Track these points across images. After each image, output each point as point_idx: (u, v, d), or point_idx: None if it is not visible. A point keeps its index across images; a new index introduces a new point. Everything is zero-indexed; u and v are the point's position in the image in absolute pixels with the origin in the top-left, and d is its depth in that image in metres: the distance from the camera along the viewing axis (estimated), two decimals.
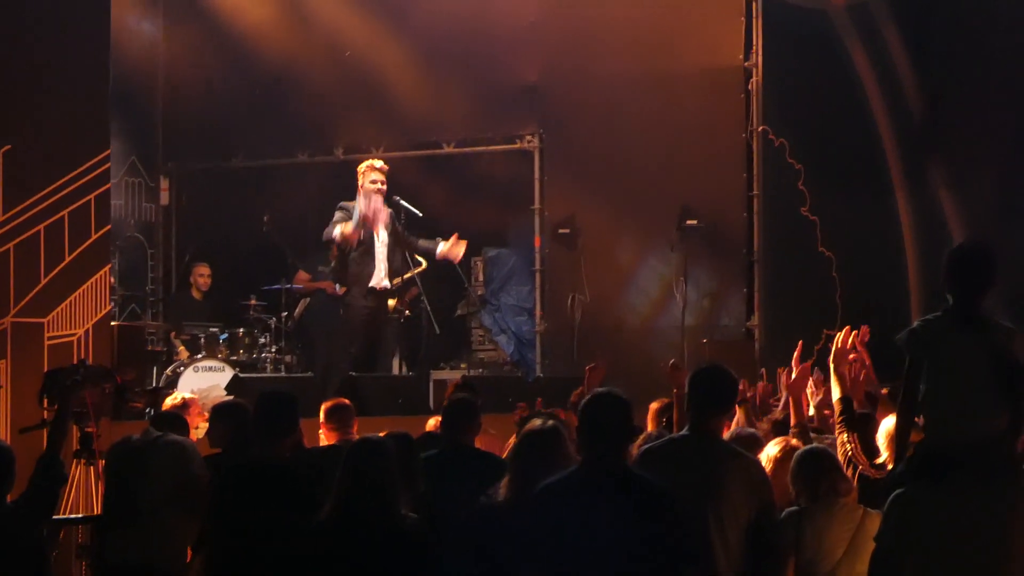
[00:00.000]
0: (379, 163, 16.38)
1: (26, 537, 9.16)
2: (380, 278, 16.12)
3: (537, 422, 8.31)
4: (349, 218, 15.89)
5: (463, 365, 18.27)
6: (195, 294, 19.01)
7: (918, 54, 18.63)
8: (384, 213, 16.02)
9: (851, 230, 17.82)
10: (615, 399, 7.51)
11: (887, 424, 9.15)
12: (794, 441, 9.30)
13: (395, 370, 17.21)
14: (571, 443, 8.06)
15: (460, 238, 16.90)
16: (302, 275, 18.48)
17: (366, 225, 15.85)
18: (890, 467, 8.64)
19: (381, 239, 16.06)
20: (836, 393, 9.54)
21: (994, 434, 7.54)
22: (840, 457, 8.93)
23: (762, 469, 8.55)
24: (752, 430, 10.36)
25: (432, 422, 11.28)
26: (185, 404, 11.73)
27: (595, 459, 7.34)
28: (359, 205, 15.90)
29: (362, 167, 16.35)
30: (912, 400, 7.78)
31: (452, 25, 17.92)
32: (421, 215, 16.13)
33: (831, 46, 18.17)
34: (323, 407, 11.59)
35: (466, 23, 17.91)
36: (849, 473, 8.78)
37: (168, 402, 11.93)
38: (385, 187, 16.05)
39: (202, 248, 19.70)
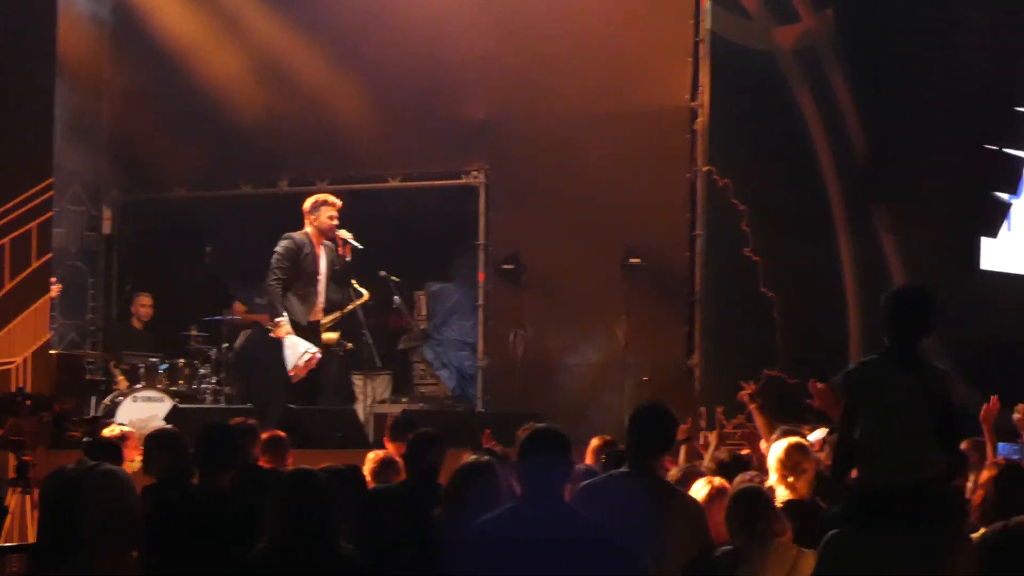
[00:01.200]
0: (333, 198, 16.30)
1: None
2: (317, 311, 16.09)
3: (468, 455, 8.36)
4: (295, 248, 15.83)
5: (404, 399, 18.26)
6: (136, 324, 18.98)
7: (864, 99, 18.76)
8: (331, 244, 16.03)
9: (793, 271, 17.91)
10: (555, 434, 7.53)
11: (776, 450, 9.30)
12: (717, 481, 9.33)
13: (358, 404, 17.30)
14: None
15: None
16: (238, 307, 18.52)
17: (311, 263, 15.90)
18: (778, 491, 8.80)
19: (323, 271, 16.05)
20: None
21: (930, 477, 7.59)
22: None
23: (701, 508, 8.61)
24: (696, 467, 10.45)
25: (372, 456, 11.24)
26: (123, 436, 11.70)
27: (534, 496, 7.35)
28: (304, 240, 15.90)
29: (315, 200, 16.22)
30: (848, 441, 7.83)
31: (401, 59, 17.97)
32: (362, 247, 16.08)
33: (777, 88, 18.27)
34: (260, 438, 11.63)
35: (415, 58, 17.96)
36: None
37: (106, 433, 11.91)
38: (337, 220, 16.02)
39: (144, 278, 19.67)
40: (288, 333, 15.80)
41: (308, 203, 16.16)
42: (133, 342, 18.61)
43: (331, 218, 15.98)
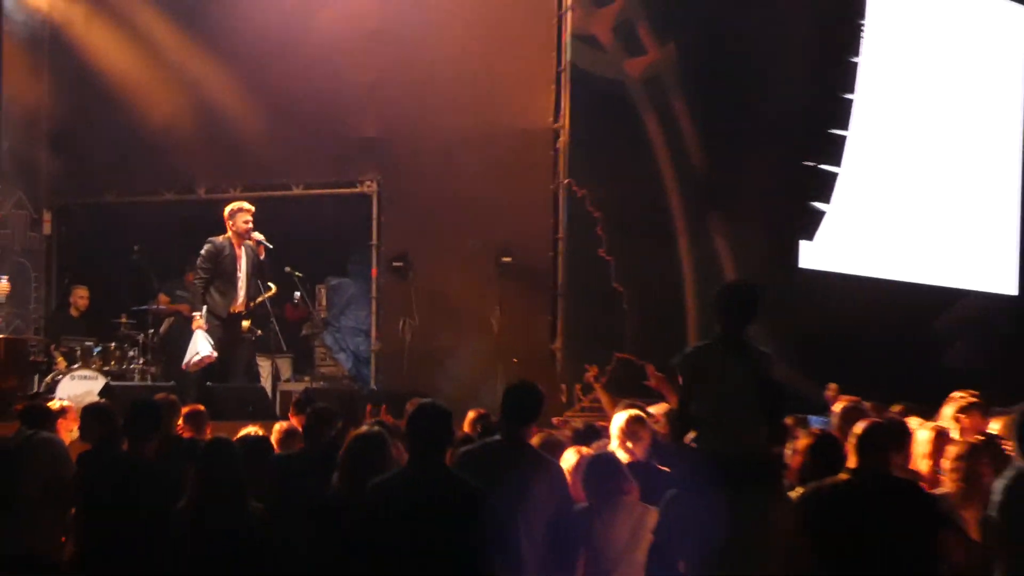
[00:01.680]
0: (248, 204, 16.36)
1: None
2: (238, 304, 16.12)
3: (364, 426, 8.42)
4: (215, 251, 15.88)
5: (306, 378, 18.26)
6: (73, 312, 18.85)
7: (700, 121, 18.93)
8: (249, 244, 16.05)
9: (640, 269, 18.05)
10: (437, 409, 7.61)
11: (617, 420, 9.45)
12: (584, 449, 9.43)
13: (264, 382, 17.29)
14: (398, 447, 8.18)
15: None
16: (162, 298, 18.46)
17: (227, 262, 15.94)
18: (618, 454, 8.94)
19: (242, 270, 16.06)
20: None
21: (756, 445, 7.75)
22: None
23: (562, 471, 8.69)
24: (558, 436, 10.54)
25: (277, 427, 11.28)
26: (63, 410, 11.67)
27: (418, 462, 7.44)
28: (225, 243, 15.95)
29: (232, 208, 16.24)
30: (685, 413, 7.97)
31: (304, 84, 17.96)
32: (272, 247, 16.09)
33: (628, 111, 18.37)
34: (182, 412, 11.67)
35: (316, 82, 17.96)
36: None
37: (49, 406, 11.88)
38: (252, 223, 16.06)
39: (80, 273, 19.55)
40: (199, 327, 15.89)
41: (227, 210, 16.17)
42: (71, 328, 18.48)
43: (246, 222, 16.01)
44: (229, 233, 16.05)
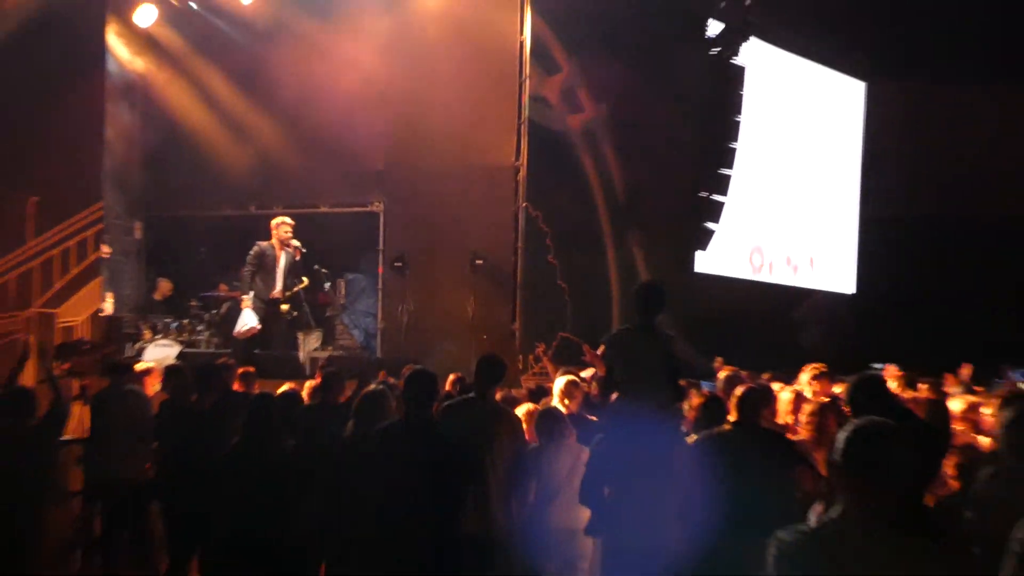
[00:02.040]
0: (289, 219, 16.46)
1: (43, 450, 9.15)
2: (275, 292, 16.10)
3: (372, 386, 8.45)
4: (260, 252, 16.00)
5: (329, 348, 18.23)
6: (157, 297, 18.85)
7: (623, 162, 19.06)
8: (288, 249, 16.09)
9: (578, 271, 18.14)
10: (425, 373, 7.65)
11: (558, 383, 9.50)
12: (531, 406, 9.48)
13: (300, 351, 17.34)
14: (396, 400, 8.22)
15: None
16: (223, 287, 18.41)
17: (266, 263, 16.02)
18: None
19: (281, 266, 16.07)
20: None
21: (661, 403, 7.81)
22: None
23: (519, 420, 8.75)
24: (515, 394, 10.61)
25: (308, 384, 11.29)
26: (150, 370, 11.68)
27: (412, 413, 7.47)
28: (268, 246, 16.08)
29: (277, 220, 16.39)
30: (610, 380, 8.02)
31: (330, 129, 17.90)
32: (305, 251, 16.13)
33: (570, 154, 18.49)
34: (238, 371, 11.68)
35: (338, 128, 17.88)
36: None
37: (138, 367, 11.88)
38: (291, 233, 16.16)
39: (162, 269, 19.55)
40: (246, 307, 16.04)
41: (273, 222, 16.30)
42: (155, 309, 18.50)
43: (287, 232, 16.08)
44: (273, 239, 16.07)
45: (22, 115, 12.94)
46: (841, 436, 4.03)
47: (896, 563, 3.84)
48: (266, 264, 16.08)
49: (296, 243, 16.20)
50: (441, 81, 17.64)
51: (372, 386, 8.46)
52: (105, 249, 17.41)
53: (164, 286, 18.98)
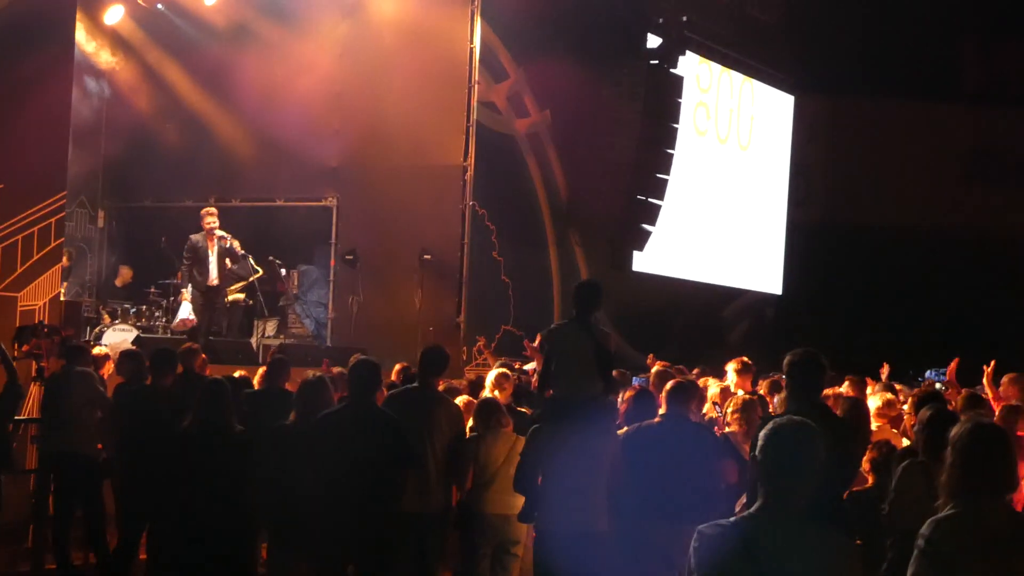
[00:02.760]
0: (213, 209, 16.45)
1: None
2: (211, 280, 16.00)
3: (310, 373, 8.33)
4: (192, 245, 16.08)
5: (281, 336, 18.05)
6: (118, 283, 18.67)
7: (566, 164, 19.02)
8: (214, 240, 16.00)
9: (521, 266, 18.07)
10: (369, 361, 7.57)
11: (490, 375, 9.45)
12: (466, 398, 9.45)
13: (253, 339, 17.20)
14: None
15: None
16: (180, 276, 18.19)
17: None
18: None
19: (213, 256, 15.95)
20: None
21: (594, 394, 7.73)
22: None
23: (458, 409, 8.68)
24: (456, 384, 10.52)
25: (260, 370, 11.09)
26: (106, 356, 11.50)
27: (355, 399, 7.37)
28: (199, 238, 16.05)
29: (202, 212, 16.36)
30: (547, 371, 7.93)
31: (287, 126, 17.70)
32: (228, 237, 16.13)
33: (515, 156, 18.41)
34: (202, 356, 11.51)
35: (296, 126, 17.68)
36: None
37: (94, 351, 11.68)
38: (217, 223, 16.03)
39: (122, 255, 19.34)
40: (184, 300, 16.38)
41: (202, 212, 16.31)
42: (115, 294, 18.29)
43: (209, 223, 16.01)
44: (203, 231, 15.93)
45: None
46: (761, 433, 4.05)
47: (809, 556, 3.87)
48: (199, 255, 15.95)
49: (221, 232, 16.05)
50: (395, 84, 17.53)
51: (309, 374, 8.30)
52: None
53: (125, 273, 18.76)
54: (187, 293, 16.11)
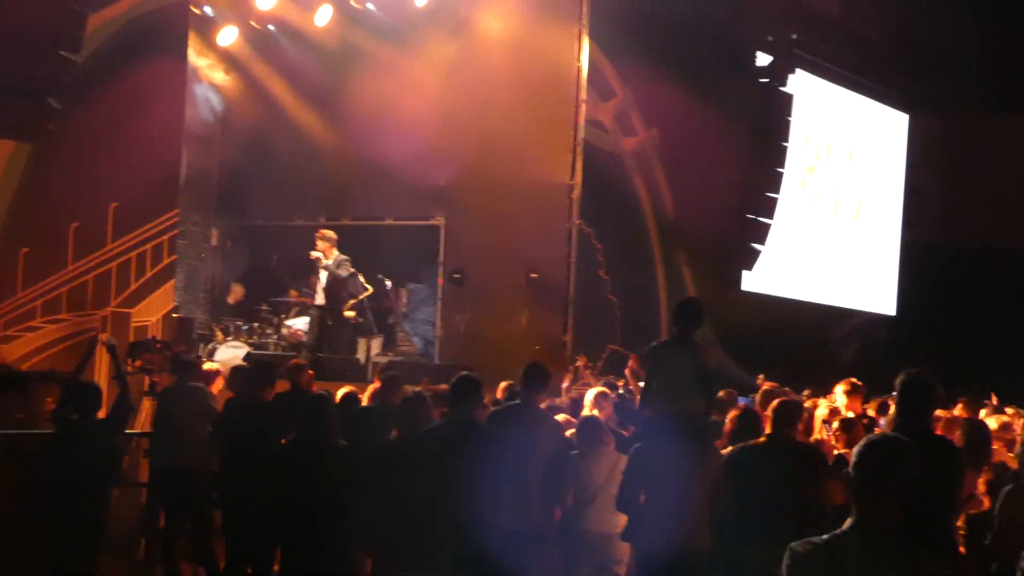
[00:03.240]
0: (324, 231, 16.80)
1: (108, 443, 9.08)
2: (317, 302, 16.46)
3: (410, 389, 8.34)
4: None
5: (389, 354, 18.16)
6: (230, 300, 18.93)
7: (674, 184, 18.88)
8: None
9: (628, 286, 17.96)
10: (469, 377, 7.55)
11: (588, 394, 9.35)
12: (564, 416, 9.41)
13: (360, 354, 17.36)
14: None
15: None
16: (292, 292, 18.39)
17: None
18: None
19: (320, 282, 16.34)
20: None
21: (694, 412, 7.63)
22: None
23: (559, 425, 8.64)
24: (558, 403, 10.47)
25: (369, 388, 11.13)
26: (217, 372, 11.62)
27: (457, 413, 7.35)
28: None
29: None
30: (649, 388, 7.86)
31: (396, 147, 17.70)
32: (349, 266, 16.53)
33: (622, 175, 18.33)
34: (308, 372, 11.65)
35: (404, 146, 17.70)
36: None
37: (206, 367, 11.83)
38: (325, 244, 16.48)
39: (236, 273, 19.61)
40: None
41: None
42: (227, 311, 18.53)
43: (320, 245, 16.46)
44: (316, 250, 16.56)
45: (105, 125, 12.93)
46: (855, 450, 3.98)
47: (899, 573, 3.82)
48: (313, 274, 16.53)
49: (324, 257, 16.45)
50: (502, 103, 17.54)
51: (408, 391, 8.31)
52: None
53: (237, 290, 19.03)
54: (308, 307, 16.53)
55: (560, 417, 9.19)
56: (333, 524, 7.56)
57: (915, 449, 3.92)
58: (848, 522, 3.89)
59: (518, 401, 8.64)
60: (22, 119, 10.79)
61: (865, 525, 3.84)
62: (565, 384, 12.66)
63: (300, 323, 16.43)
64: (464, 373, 7.68)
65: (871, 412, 9.83)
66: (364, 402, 10.43)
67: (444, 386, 10.95)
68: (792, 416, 7.63)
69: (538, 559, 8.20)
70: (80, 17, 10.74)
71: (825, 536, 3.88)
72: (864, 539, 3.82)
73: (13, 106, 10.57)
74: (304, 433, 7.81)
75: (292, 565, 7.86)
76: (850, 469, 3.93)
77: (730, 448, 7.83)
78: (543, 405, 9.10)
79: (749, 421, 8.12)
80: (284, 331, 16.84)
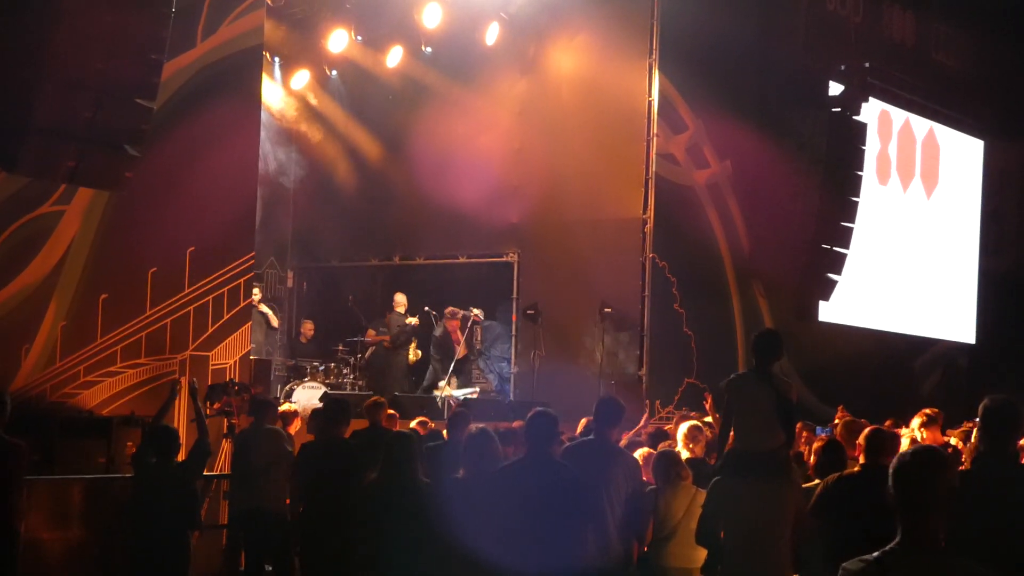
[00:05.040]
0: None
1: (188, 485, 9.12)
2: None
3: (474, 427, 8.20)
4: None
5: (474, 391, 18.14)
6: (302, 339, 19.01)
7: (748, 216, 18.73)
8: None
9: (704, 319, 17.81)
10: (546, 413, 7.46)
11: (682, 428, 9.27)
12: (646, 451, 9.27)
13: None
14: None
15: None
16: (370, 332, 18.43)
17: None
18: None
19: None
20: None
21: (775, 447, 7.51)
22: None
23: (636, 461, 8.53)
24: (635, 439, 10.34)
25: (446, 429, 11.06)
26: (295, 413, 11.63)
27: (533, 450, 7.26)
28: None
29: None
30: (727, 422, 7.74)
31: (469, 185, 17.75)
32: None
33: (696, 207, 18.20)
34: (387, 410, 11.63)
35: (477, 184, 17.76)
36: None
37: (283, 408, 11.84)
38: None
39: (311, 314, 19.71)
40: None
41: None
42: (303, 352, 18.63)
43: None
44: None
45: (181, 170, 13.05)
46: (891, 466, 3.99)
47: None
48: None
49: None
50: (573, 139, 17.58)
51: (472, 427, 8.23)
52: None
53: (307, 327, 19.11)
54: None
55: (643, 451, 9.08)
56: (416, 561, 7.48)
57: (950, 459, 4.02)
58: (895, 539, 3.90)
59: (591, 436, 8.56)
60: (100, 168, 10.88)
61: (911, 540, 3.86)
62: (642, 421, 12.50)
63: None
64: (539, 408, 7.59)
65: (954, 441, 9.61)
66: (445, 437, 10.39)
67: (514, 424, 10.90)
68: (885, 444, 7.44)
69: None
70: (156, 65, 10.83)
71: (876, 553, 3.89)
72: (910, 554, 3.85)
73: (91, 155, 10.66)
74: (387, 470, 7.75)
75: None
76: (890, 483, 3.93)
77: (818, 481, 7.67)
78: (624, 440, 9.02)
79: (834, 453, 7.97)
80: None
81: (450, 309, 17.56)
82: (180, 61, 12.94)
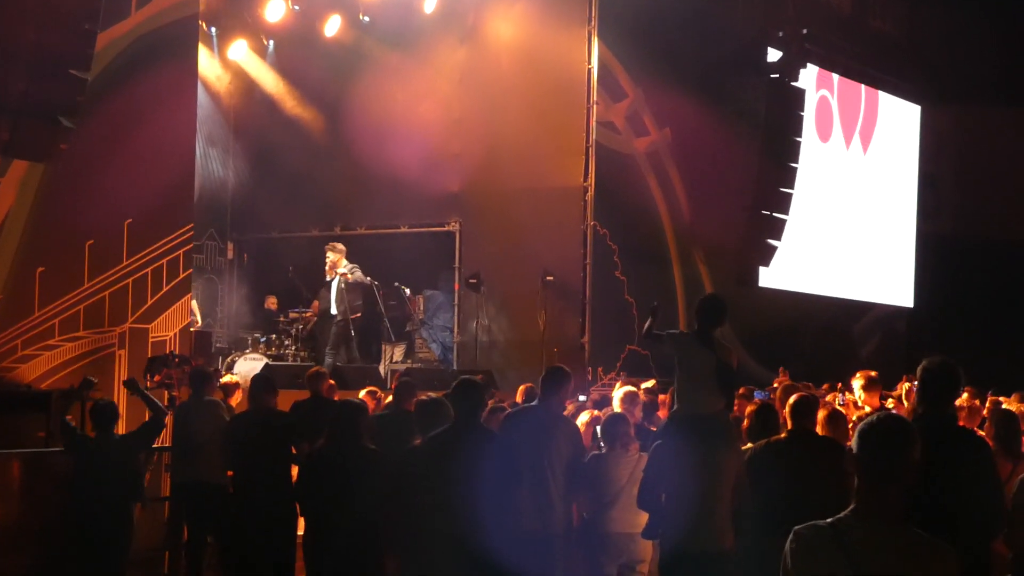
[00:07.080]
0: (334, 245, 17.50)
1: (131, 458, 9.12)
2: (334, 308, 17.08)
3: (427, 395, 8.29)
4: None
5: (408, 361, 18.15)
6: (268, 307, 19.07)
7: (688, 183, 18.83)
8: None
9: (645, 285, 17.87)
10: (470, 380, 7.53)
11: (618, 393, 9.35)
12: (596, 412, 9.32)
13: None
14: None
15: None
16: (315, 304, 18.39)
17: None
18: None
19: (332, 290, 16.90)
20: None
21: (715, 411, 7.59)
22: None
23: (577, 428, 8.59)
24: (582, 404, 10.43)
25: (390, 397, 11.09)
26: (236, 385, 11.62)
27: (463, 419, 7.29)
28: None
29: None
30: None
31: (410, 154, 17.78)
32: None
33: (636, 175, 18.27)
34: (329, 380, 11.67)
35: (418, 153, 17.83)
36: None
37: (224, 380, 11.82)
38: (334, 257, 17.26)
39: (253, 286, 19.64)
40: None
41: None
42: (244, 324, 18.60)
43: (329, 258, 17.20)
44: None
45: (116, 141, 12.94)
46: (856, 432, 3.93)
47: (902, 557, 3.77)
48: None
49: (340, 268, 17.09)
50: (513, 107, 17.59)
51: (424, 396, 8.29)
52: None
53: (271, 301, 19.05)
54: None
55: (585, 417, 9.14)
56: (365, 529, 7.52)
57: (916, 431, 3.87)
58: (851, 506, 3.86)
59: (534, 403, 8.61)
60: (34, 140, 10.77)
61: (867, 508, 3.81)
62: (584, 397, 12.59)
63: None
64: (464, 377, 7.65)
65: (890, 404, 9.75)
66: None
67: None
68: (810, 410, 7.56)
69: (560, 561, 8.18)
70: (90, 35, 10.72)
71: (830, 519, 3.85)
72: (866, 522, 3.79)
73: (25, 127, 10.55)
74: (334, 437, 7.78)
75: (321, 571, 7.84)
76: (852, 451, 3.87)
77: (750, 445, 7.77)
78: (569, 408, 9.07)
79: (767, 417, 8.05)
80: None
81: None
82: (115, 31, 12.83)
